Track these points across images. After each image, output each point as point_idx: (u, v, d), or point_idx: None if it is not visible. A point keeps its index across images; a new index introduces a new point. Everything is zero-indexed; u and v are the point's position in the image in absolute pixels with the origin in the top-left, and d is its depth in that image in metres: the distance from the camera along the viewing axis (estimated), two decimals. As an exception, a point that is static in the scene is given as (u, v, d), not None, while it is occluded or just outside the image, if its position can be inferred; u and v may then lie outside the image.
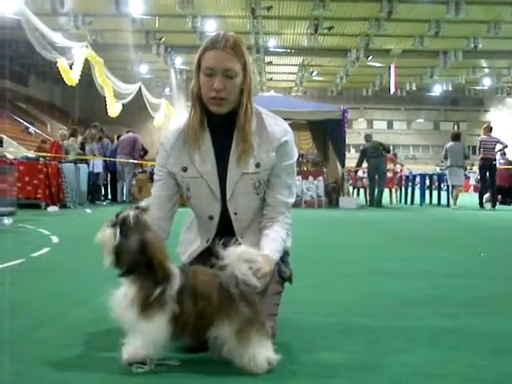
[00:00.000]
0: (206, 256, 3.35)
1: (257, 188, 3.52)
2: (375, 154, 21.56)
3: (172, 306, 2.86)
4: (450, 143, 21.04)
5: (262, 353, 2.89)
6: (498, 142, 20.69)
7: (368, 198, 22.83)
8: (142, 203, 2.99)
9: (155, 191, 3.66)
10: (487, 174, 20.74)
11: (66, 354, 3.27)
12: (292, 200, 3.65)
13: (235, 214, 3.55)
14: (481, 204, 20.67)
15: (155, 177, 3.69)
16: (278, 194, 3.55)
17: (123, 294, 2.93)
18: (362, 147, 23.14)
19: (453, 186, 21.42)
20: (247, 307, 2.88)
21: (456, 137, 21.29)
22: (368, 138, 22.60)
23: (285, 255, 3.71)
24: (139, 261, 2.87)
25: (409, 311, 4.53)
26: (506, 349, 3.56)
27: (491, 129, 21.09)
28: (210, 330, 2.91)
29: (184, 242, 3.75)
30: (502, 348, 3.57)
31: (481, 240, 10.55)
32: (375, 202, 21.36)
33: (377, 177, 21.56)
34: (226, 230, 3.56)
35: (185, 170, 3.53)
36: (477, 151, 21.11)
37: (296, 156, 3.65)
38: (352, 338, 3.67)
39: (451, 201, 21.70)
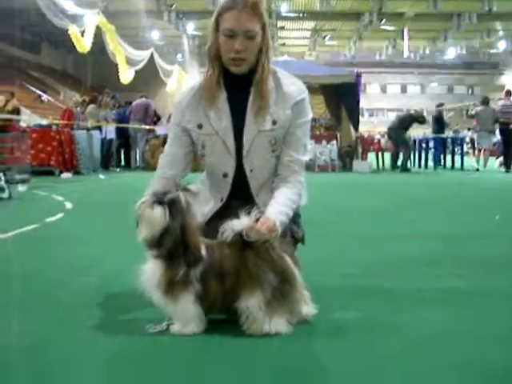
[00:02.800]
0: (222, 215, 3.34)
1: (273, 145, 3.51)
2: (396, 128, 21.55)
3: (196, 286, 2.86)
4: (480, 107, 21.18)
5: (283, 324, 2.91)
6: None
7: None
8: (192, 186, 2.94)
9: (169, 148, 3.65)
10: (505, 138, 20.58)
11: (78, 316, 3.30)
12: (306, 158, 3.63)
13: (251, 171, 3.54)
14: (507, 166, 20.44)
15: (170, 135, 3.69)
16: (292, 151, 3.54)
17: (152, 272, 2.90)
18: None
19: (481, 150, 21.69)
20: (276, 276, 2.88)
21: (485, 101, 21.44)
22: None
23: (296, 216, 3.70)
24: (179, 244, 2.85)
25: (423, 272, 4.52)
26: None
27: (510, 93, 20.93)
28: (237, 302, 2.91)
29: (196, 203, 3.72)
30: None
31: (496, 203, 10.48)
32: (400, 168, 21.25)
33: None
34: (240, 188, 3.57)
35: (200, 126, 3.52)
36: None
37: (311, 115, 3.63)
38: (367, 299, 3.66)
39: (480, 163, 21.79)
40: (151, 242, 2.87)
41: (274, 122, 3.47)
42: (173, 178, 3.43)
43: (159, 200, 2.84)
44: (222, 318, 3.07)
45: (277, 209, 3.37)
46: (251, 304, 2.87)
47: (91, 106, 20.27)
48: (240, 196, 3.55)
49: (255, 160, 3.52)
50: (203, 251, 2.91)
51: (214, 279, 2.88)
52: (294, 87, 3.55)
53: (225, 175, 3.58)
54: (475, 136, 21.85)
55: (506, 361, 2.61)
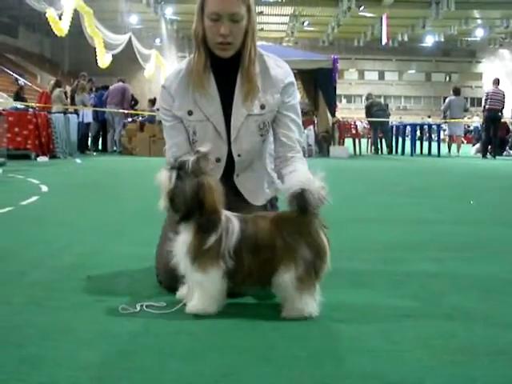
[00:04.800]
0: None
1: (261, 129, 3.50)
2: (379, 110, 23.42)
3: (228, 261, 2.84)
4: (452, 97, 22.48)
5: (313, 303, 2.91)
6: (504, 94, 21.14)
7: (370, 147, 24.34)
8: (203, 148, 2.90)
9: (171, 138, 3.58)
10: (492, 125, 21.07)
11: (53, 297, 3.29)
12: (302, 139, 3.63)
13: (238, 155, 3.53)
14: (484, 154, 21.13)
15: (165, 122, 3.62)
16: (290, 131, 3.53)
17: (182, 241, 2.89)
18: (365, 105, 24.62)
19: (452, 136, 23.13)
20: (311, 252, 2.89)
21: (457, 91, 22.82)
22: (369, 96, 24.38)
23: (274, 200, 3.72)
24: (194, 205, 2.83)
25: (397, 256, 4.56)
26: (492, 290, 3.60)
27: (499, 81, 21.50)
28: (273, 277, 2.90)
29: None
30: (488, 289, 3.61)
31: (472, 189, 10.56)
32: (387, 151, 23.21)
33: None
34: (226, 172, 3.56)
35: (190, 113, 3.49)
36: (482, 103, 21.77)
37: (299, 97, 3.64)
38: (339, 282, 3.66)
39: (451, 150, 23.06)
40: (166, 207, 2.87)
41: (263, 107, 3.46)
42: None
43: (171, 166, 2.85)
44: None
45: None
46: (285, 279, 2.86)
47: (58, 90, 20.11)
48: (224, 179, 3.47)
49: (243, 144, 3.51)
50: (232, 219, 2.90)
51: (248, 253, 2.86)
52: (281, 70, 3.54)
53: (217, 160, 3.53)
54: (446, 124, 23.17)
55: (479, 341, 2.65)
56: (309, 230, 2.92)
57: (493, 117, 20.87)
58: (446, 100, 23.29)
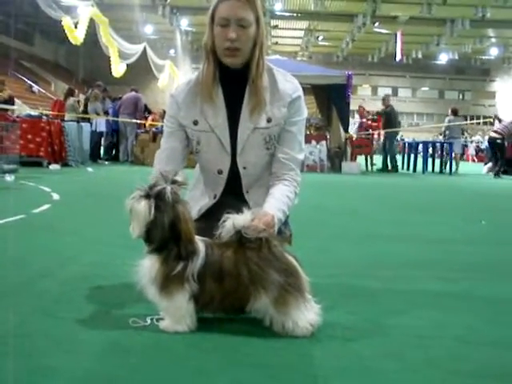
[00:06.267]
0: (214, 212, 3.36)
1: (267, 143, 3.51)
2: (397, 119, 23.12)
3: (192, 285, 2.82)
4: (451, 117, 23.15)
5: (303, 317, 2.87)
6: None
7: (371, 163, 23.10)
8: (178, 177, 2.89)
9: (167, 142, 3.62)
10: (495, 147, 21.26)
11: (63, 307, 3.29)
12: (302, 157, 3.65)
13: (244, 168, 3.54)
14: (496, 173, 20.88)
15: (166, 128, 3.67)
16: (288, 148, 3.54)
17: (148, 267, 2.87)
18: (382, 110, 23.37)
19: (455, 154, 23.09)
20: (280, 274, 2.85)
21: (455, 112, 23.54)
22: (387, 98, 23.53)
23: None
24: (169, 237, 2.82)
25: (408, 274, 4.53)
26: (504, 312, 3.58)
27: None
28: (247, 305, 2.90)
29: (191, 199, 3.62)
30: (499, 311, 3.58)
31: (483, 208, 10.52)
32: (393, 168, 22.28)
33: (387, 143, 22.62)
34: (233, 185, 3.58)
35: (196, 123, 3.51)
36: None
37: (306, 113, 3.65)
38: (352, 299, 3.67)
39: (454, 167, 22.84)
40: (142, 237, 2.85)
41: (269, 120, 3.47)
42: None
43: (146, 194, 2.80)
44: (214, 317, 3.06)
45: (274, 205, 3.36)
46: (258, 307, 2.87)
47: (71, 99, 20.13)
48: (232, 193, 3.56)
49: (249, 157, 3.52)
50: (199, 244, 2.88)
51: (211, 279, 2.84)
52: (290, 85, 3.57)
53: (219, 172, 3.57)
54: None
55: (489, 363, 2.63)
56: (272, 253, 2.90)
57: (492, 142, 21.29)
58: (446, 120, 23.83)
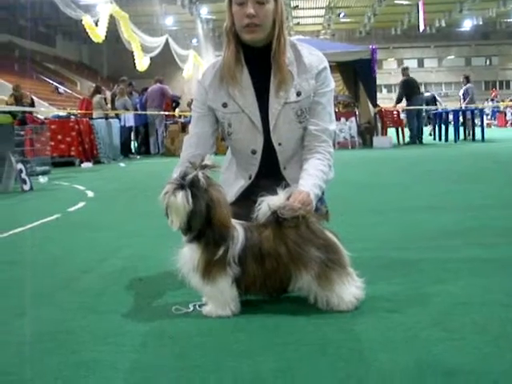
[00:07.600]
0: (250, 194, 3.29)
1: (299, 116, 3.51)
2: (417, 89, 22.48)
3: (233, 268, 2.83)
4: (469, 84, 23.71)
5: (347, 291, 2.88)
6: None
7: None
8: (207, 160, 2.88)
9: (196, 127, 3.64)
10: None
11: (105, 301, 3.32)
12: (334, 127, 3.63)
13: (279, 144, 3.53)
14: None
15: (194, 114, 3.68)
16: (319, 120, 3.54)
17: (189, 255, 2.89)
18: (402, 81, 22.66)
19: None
20: (320, 251, 2.85)
21: (468, 79, 24.18)
22: (405, 71, 22.59)
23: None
24: (206, 223, 2.82)
25: (446, 243, 4.51)
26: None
27: None
28: (290, 284, 2.92)
29: (225, 183, 3.61)
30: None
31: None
32: (418, 139, 21.73)
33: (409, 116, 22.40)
34: (268, 164, 3.57)
35: (225, 105, 3.53)
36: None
37: (333, 84, 3.64)
38: (391, 272, 3.66)
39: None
40: (183, 228, 2.85)
41: (299, 94, 3.47)
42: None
43: (180, 185, 2.79)
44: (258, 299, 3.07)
45: (309, 181, 3.35)
46: (301, 285, 2.89)
47: (98, 96, 20.18)
48: (268, 172, 3.55)
49: (283, 133, 3.51)
50: (237, 227, 2.89)
51: (252, 261, 2.85)
52: (315, 57, 3.57)
53: (253, 152, 3.57)
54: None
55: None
56: (311, 231, 2.90)
57: None
58: (463, 88, 24.15)
